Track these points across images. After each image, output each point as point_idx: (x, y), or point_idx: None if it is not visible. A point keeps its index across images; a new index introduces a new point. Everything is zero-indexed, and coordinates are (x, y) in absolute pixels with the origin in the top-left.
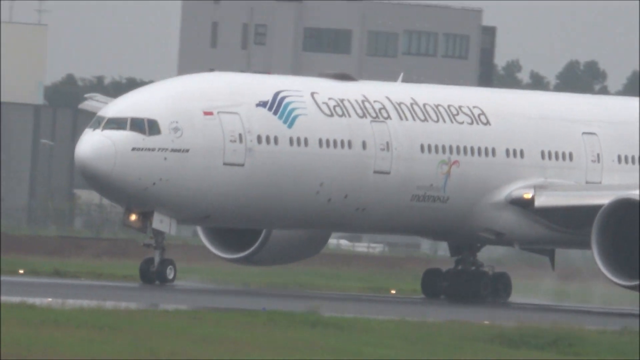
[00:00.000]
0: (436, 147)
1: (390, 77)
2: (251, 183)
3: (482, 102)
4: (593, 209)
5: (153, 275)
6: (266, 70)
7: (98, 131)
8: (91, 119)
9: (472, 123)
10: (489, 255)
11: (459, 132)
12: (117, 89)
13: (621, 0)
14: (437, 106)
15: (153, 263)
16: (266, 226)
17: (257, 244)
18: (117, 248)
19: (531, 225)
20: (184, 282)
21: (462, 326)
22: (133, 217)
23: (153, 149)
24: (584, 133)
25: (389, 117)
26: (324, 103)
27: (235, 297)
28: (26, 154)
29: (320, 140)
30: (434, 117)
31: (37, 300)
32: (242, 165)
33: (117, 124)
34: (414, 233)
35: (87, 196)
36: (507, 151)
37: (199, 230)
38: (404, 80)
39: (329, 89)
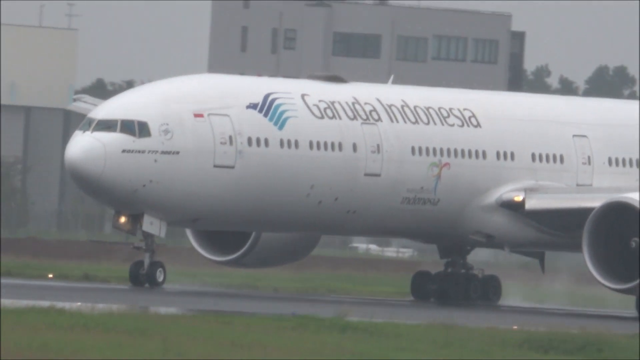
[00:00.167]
0: (427, 149)
1: (420, 82)
2: (241, 185)
3: (472, 104)
4: (584, 212)
5: (143, 278)
6: (296, 75)
7: (88, 133)
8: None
9: (462, 125)
10: (479, 259)
11: (450, 134)
12: None
13: None
14: (427, 108)
15: (143, 266)
16: (256, 229)
17: (246, 247)
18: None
19: (522, 228)
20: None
21: (490, 331)
22: (123, 219)
23: (143, 151)
24: (574, 135)
25: (379, 119)
26: (314, 105)
27: (264, 302)
28: (56, 158)
29: (310, 143)
30: (424, 119)
31: (67, 305)
32: (233, 167)
33: (107, 125)
34: (404, 236)
35: None
36: (498, 153)
37: (188, 232)
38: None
39: (320, 91)
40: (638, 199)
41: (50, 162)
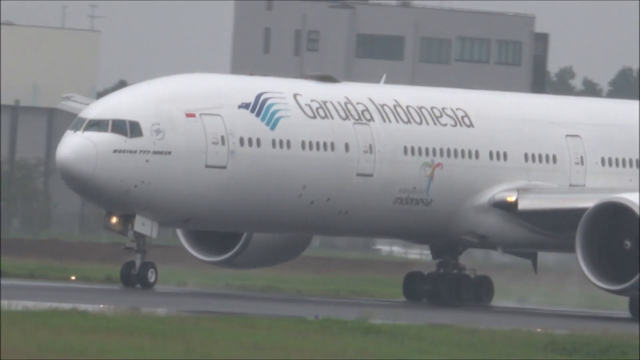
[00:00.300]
0: (419, 149)
1: (443, 84)
2: (233, 186)
3: (465, 104)
4: (577, 212)
5: (134, 279)
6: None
7: (79, 133)
8: (70, 120)
9: (455, 125)
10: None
11: (442, 134)
12: None
13: None
14: (420, 108)
15: (134, 266)
16: (248, 229)
17: (237, 247)
18: (170, 255)
19: (515, 229)
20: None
21: (514, 333)
22: (114, 219)
23: (135, 151)
24: (567, 135)
25: (371, 119)
26: (306, 105)
27: (287, 305)
28: None
29: (303, 143)
30: (417, 119)
31: (90, 307)
32: (225, 167)
33: (98, 125)
34: (396, 236)
35: None
36: (491, 153)
37: (179, 232)
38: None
39: (312, 91)
40: (632, 199)
41: None
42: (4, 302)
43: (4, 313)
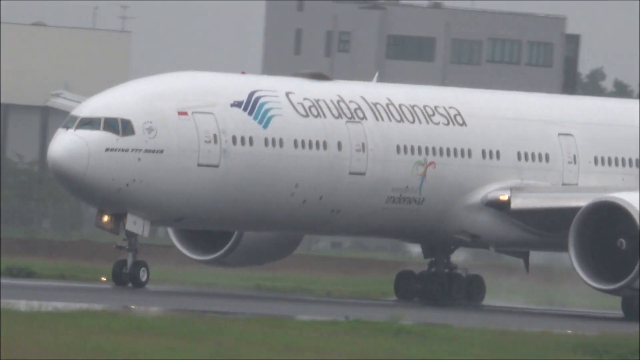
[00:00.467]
0: (412, 148)
1: (474, 85)
2: (226, 184)
3: (458, 102)
4: (570, 211)
5: (126, 278)
6: (350, 78)
7: (71, 131)
8: (61, 118)
9: (448, 124)
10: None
11: (435, 133)
12: None
13: None
14: (412, 106)
15: (126, 265)
16: (240, 228)
17: (228, 246)
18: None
19: (507, 228)
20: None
21: (544, 335)
22: (106, 218)
23: (127, 150)
24: (560, 134)
25: (364, 117)
26: (299, 103)
27: (317, 306)
28: None
29: (295, 141)
30: (409, 117)
31: (120, 308)
32: (217, 166)
33: (90, 123)
34: (389, 235)
35: None
36: (483, 152)
37: (170, 231)
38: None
39: (304, 89)
40: (625, 198)
41: None
42: (35, 303)
43: (35, 314)
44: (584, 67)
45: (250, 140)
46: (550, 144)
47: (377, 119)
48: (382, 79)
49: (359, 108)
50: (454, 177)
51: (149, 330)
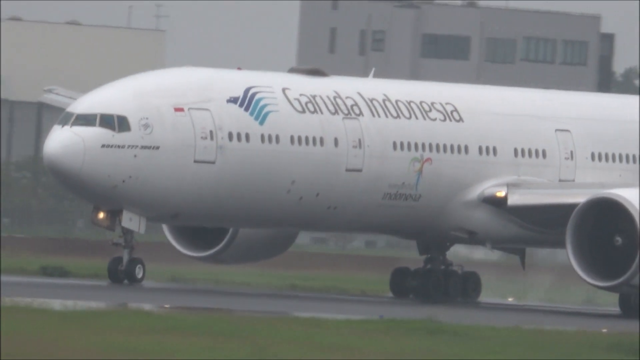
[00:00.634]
0: (408, 144)
1: (508, 83)
2: (222, 181)
3: (454, 98)
4: (567, 208)
5: (122, 275)
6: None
7: (67, 127)
8: (54, 113)
9: (444, 120)
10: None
11: (432, 129)
12: None
13: None
14: (409, 102)
15: (121, 262)
16: (236, 225)
17: (223, 242)
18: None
19: (504, 224)
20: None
21: (579, 334)
22: (101, 215)
23: (123, 146)
24: (557, 130)
25: (361, 113)
26: (295, 99)
27: (353, 305)
28: None
29: (292, 138)
30: (406, 113)
31: (154, 307)
32: (213, 162)
33: (86, 120)
34: (385, 232)
35: None
36: (480, 148)
37: (165, 228)
38: None
39: (301, 85)
40: (623, 195)
41: None
42: (70, 303)
43: (71, 313)
44: (619, 66)
45: (247, 136)
46: (547, 140)
47: (373, 115)
48: (415, 78)
49: (356, 104)
50: (450, 174)
51: (186, 330)
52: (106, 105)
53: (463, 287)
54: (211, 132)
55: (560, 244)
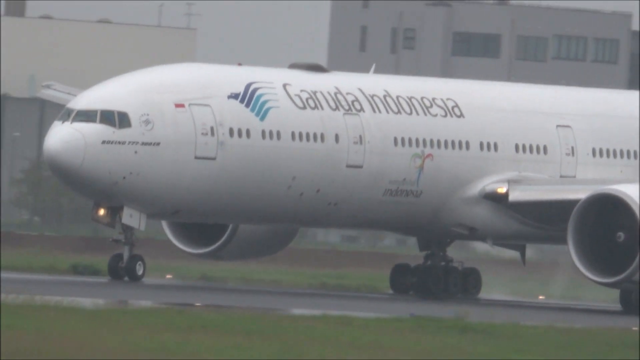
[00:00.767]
0: (409, 140)
1: (539, 81)
2: (223, 177)
3: (455, 94)
4: (568, 204)
5: (122, 271)
6: (416, 74)
7: (67, 124)
8: (53, 109)
9: (445, 116)
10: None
11: (433, 125)
12: None
13: None
14: (410, 98)
15: (122, 259)
16: (237, 221)
17: (223, 239)
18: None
19: (505, 221)
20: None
21: (609, 332)
22: (102, 211)
23: (123, 142)
24: (558, 126)
25: (362, 109)
26: (296, 95)
27: (382, 303)
28: None
29: (292, 134)
30: (407, 109)
31: (185, 305)
32: (214, 159)
33: (86, 116)
34: (386, 228)
35: None
36: (481, 144)
37: (164, 224)
38: None
39: (302, 81)
40: (625, 191)
41: None
42: (100, 302)
43: (102, 312)
44: None
45: (247, 132)
46: (548, 135)
47: (374, 111)
48: (447, 75)
49: (356, 100)
50: (451, 170)
51: (213, 328)
52: (107, 101)
53: (463, 284)
54: (212, 128)
55: (562, 240)
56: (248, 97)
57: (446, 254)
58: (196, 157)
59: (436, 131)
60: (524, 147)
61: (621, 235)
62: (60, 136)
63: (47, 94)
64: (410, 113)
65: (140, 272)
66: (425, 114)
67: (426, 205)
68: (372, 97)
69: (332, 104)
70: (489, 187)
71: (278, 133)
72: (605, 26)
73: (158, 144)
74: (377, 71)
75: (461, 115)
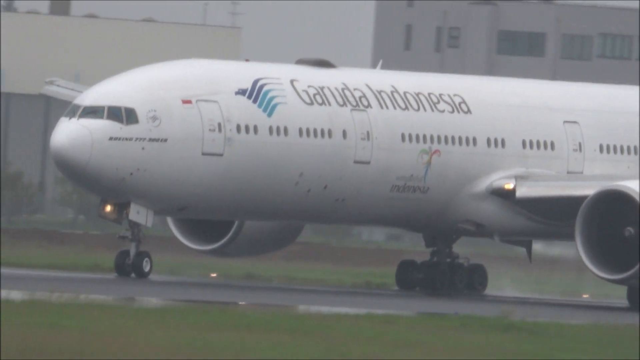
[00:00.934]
0: (417, 136)
1: (584, 80)
2: (230, 173)
3: (463, 90)
4: (576, 200)
5: (129, 268)
6: (460, 73)
7: (74, 120)
8: (59, 106)
9: (453, 112)
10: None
11: (440, 121)
12: None
13: None
14: (417, 94)
15: (129, 255)
16: (244, 217)
17: (229, 235)
18: (310, 251)
19: (512, 217)
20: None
21: None
22: (109, 208)
23: (130, 139)
24: (565, 122)
25: (369, 105)
26: (303, 91)
27: (425, 302)
28: None
29: (300, 130)
30: (414, 105)
31: (230, 304)
32: (221, 155)
33: (93, 112)
34: (393, 225)
35: None
36: (488, 140)
37: (170, 221)
38: None
39: (309, 77)
40: (632, 187)
41: None
42: (143, 300)
43: (145, 311)
44: None
45: (255, 128)
46: (555, 131)
47: (381, 107)
48: (491, 74)
49: (364, 96)
50: (458, 166)
51: (258, 327)
52: (114, 98)
53: (469, 280)
54: (219, 124)
55: (569, 237)
56: (255, 93)
57: (452, 250)
58: (203, 154)
59: (443, 127)
60: (531, 143)
61: (630, 231)
62: (67, 132)
63: (51, 90)
64: (418, 109)
65: (147, 269)
66: (433, 110)
67: (433, 202)
68: (379, 93)
69: (340, 100)
70: (496, 183)
71: (285, 129)
72: None
73: (165, 140)
74: (420, 71)
75: (468, 111)
